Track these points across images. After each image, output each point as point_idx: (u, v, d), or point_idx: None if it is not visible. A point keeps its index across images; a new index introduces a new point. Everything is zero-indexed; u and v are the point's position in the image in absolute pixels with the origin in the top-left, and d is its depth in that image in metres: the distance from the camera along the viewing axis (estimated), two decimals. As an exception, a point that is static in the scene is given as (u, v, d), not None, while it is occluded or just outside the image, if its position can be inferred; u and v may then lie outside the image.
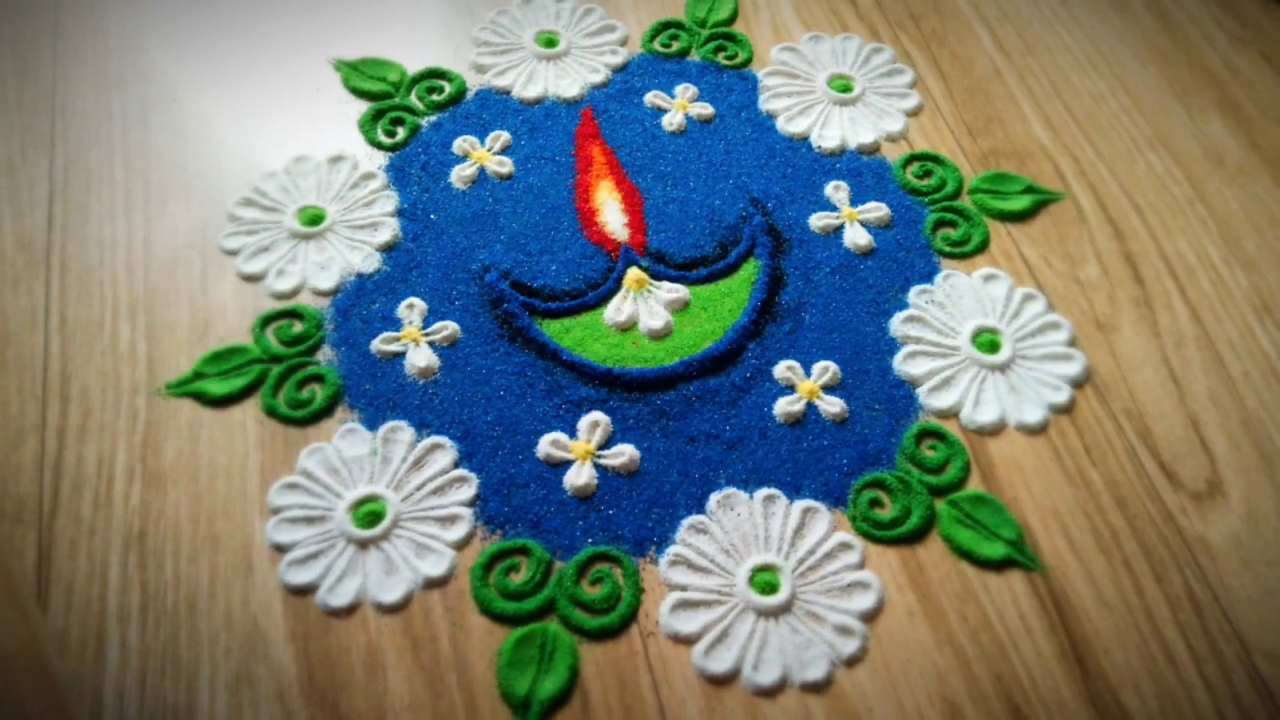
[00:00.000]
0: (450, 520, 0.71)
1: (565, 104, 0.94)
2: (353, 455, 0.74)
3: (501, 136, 0.91)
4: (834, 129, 0.93)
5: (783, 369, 0.78)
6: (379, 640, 0.67)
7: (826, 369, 0.78)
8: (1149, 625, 0.69)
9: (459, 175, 0.88)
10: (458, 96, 0.95)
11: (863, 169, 0.91)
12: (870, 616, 0.68)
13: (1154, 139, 0.94)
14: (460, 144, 0.90)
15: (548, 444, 0.74)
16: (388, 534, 0.70)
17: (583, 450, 0.74)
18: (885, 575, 0.70)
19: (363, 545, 0.70)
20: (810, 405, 0.77)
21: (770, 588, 0.69)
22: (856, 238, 0.85)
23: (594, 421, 0.75)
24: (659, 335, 0.80)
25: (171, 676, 0.65)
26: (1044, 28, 1.03)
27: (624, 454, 0.74)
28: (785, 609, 0.68)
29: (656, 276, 0.83)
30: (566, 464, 0.74)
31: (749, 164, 0.91)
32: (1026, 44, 1.01)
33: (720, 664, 0.66)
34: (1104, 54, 1.01)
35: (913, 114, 0.95)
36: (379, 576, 0.69)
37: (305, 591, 0.68)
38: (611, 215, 0.86)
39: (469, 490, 0.72)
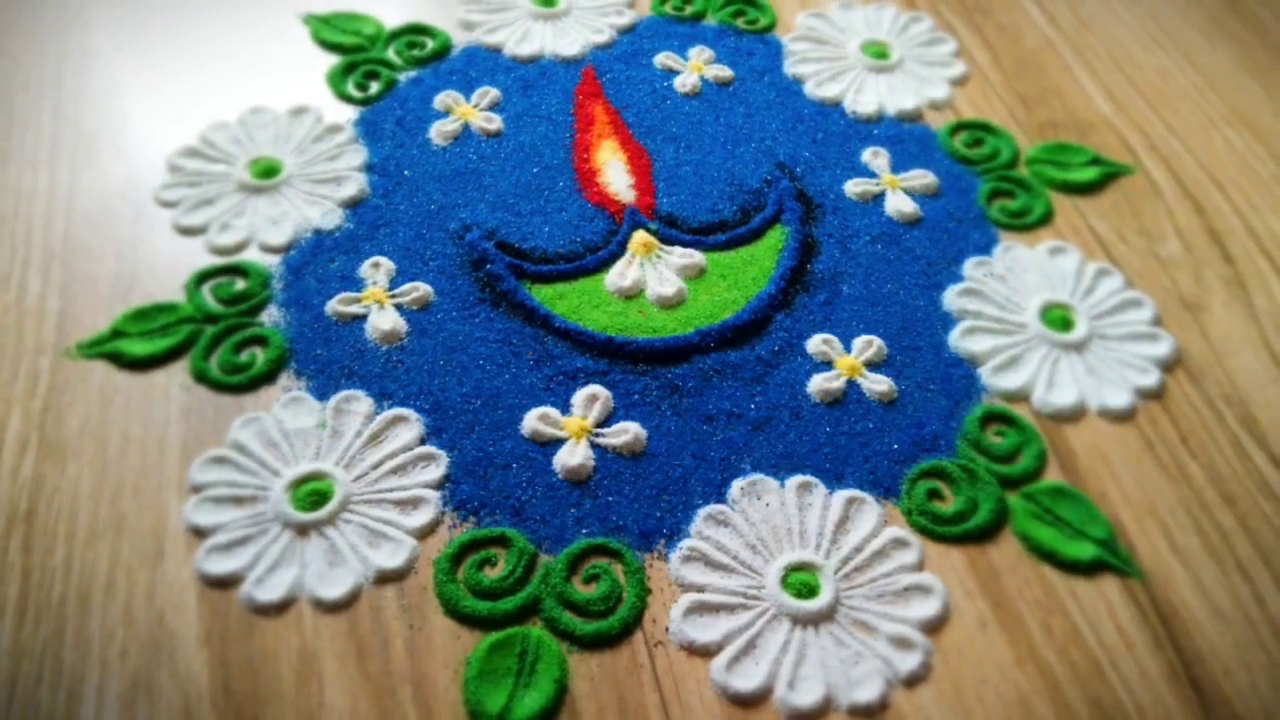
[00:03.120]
0: (412, 504, 0.59)
1: (564, 63, 0.84)
2: (296, 427, 0.61)
3: (490, 93, 0.81)
4: (870, 95, 0.83)
5: (818, 343, 0.66)
6: (315, 644, 0.54)
7: (870, 344, 0.66)
8: (1277, 643, 0.55)
9: (440, 131, 0.78)
10: (441, 52, 0.84)
11: (904, 136, 0.80)
12: (933, 627, 0.55)
13: (1230, 116, 0.84)
14: (443, 99, 0.80)
15: (535, 419, 0.62)
16: (334, 518, 0.58)
17: (578, 427, 0.61)
18: (950, 578, 0.57)
19: (302, 530, 0.57)
20: (851, 383, 0.64)
21: (808, 590, 0.56)
22: (900, 205, 0.74)
23: (592, 395, 0.63)
24: (670, 303, 0.68)
25: (50, 683, 0.52)
26: (1098, 3, 0.93)
27: (627, 432, 0.61)
28: (827, 616, 0.55)
29: (667, 241, 0.71)
30: (557, 442, 0.61)
31: (774, 128, 0.80)
32: (1081, 19, 0.92)
33: (747, 681, 0.52)
34: (1167, 31, 0.91)
35: (958, 83, 0.85)
36: (320, 568, 0.56)
37: (227, 584, 0.55)
38: (615, 176, 0.75)
39: (437, 470, 0.60)
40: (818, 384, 0.64)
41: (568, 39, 0.86)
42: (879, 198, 0.76)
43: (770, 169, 0.77)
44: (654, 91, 0.83)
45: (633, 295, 0.69)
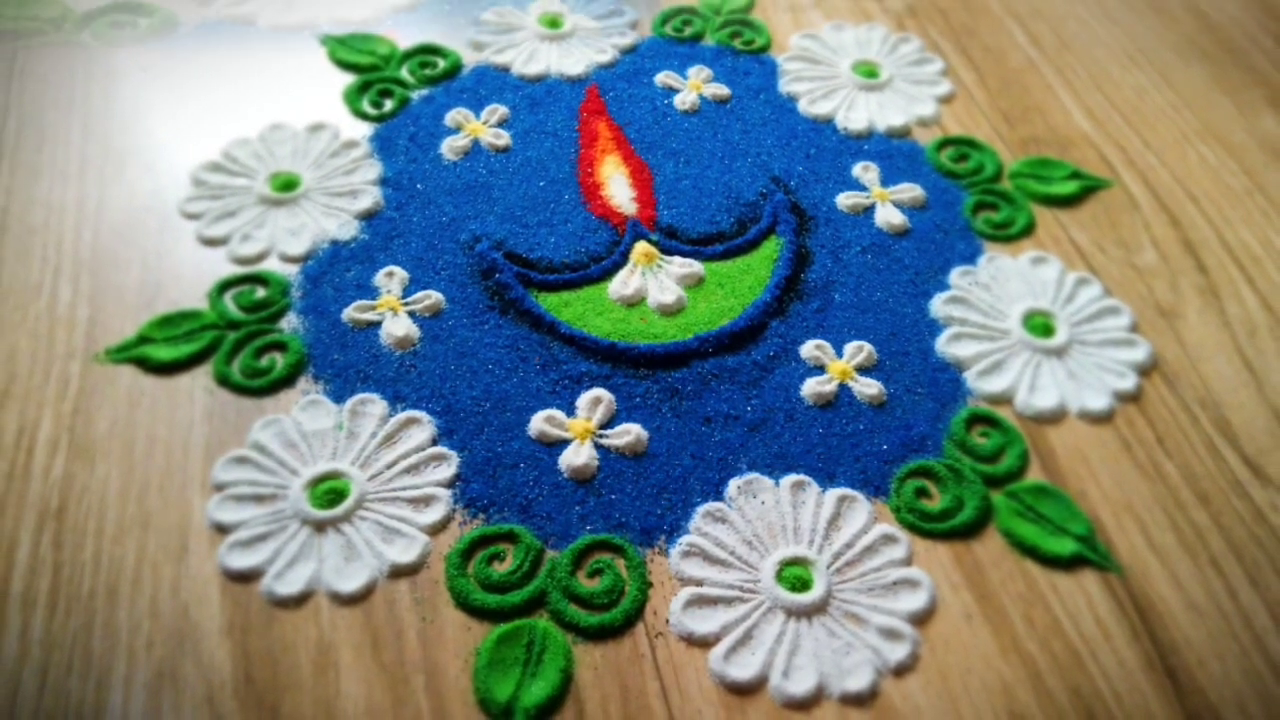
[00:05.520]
0: (425, 501, 0.61)
1: (569, 82, 0.87)
2: (314, 429, 0.64)
3: (499, 110, 0.84)
4: (860, 112, 0.86)
5: (811, 348, 0.69)
6: (332, 635, 0.56)
7: (861, 349, 0.69)
8: (1248, 634, 0.58)
9: (450, 146, 0.81)
10: (452, 71, 0.87)
11: (893, 151, 0.83)
12: (921, 619, 0.58)
13: (1204, 132, 0.87)
14: (453, 116, 0.83)
15: (542, 421, 0.64)
16: (350, 515, 0.60)
17: (582, 429, 0.64)
18: (937, 573, 0.60)
19: (320, 527, 0.60)
20: (843, 387, 0.67)
21: (802, 584, 0.58)
22: (889, 217, 0.77)
23: (595, 398, 0.66)
24: (670, 311, 0.71)
25: (80, 672, 0.54)
26: (1079, 25, 0.97)
27: (629, 433, 0.64)
28: (820, 608, 0.57)
29: (668, 251, 0.74)
30: (563, 443, 0.64)
31: (769, 143, 0.83)
32: (1062, 40, 0.95)
33: (744, 670, 0.55)
34: (1144, 51, 0.94)
35: (945, 101, 0.88)
36: (337, 562, 0.58)
37: (248, 578, 0.58)
38: (618, 189, 0.78)
39: (448, 469, 0.62)
40: (811, 387, 0.67)
41: (572, 59, 0.89)
42: (869, 210, 0.79)
43: (766, 183, 0.80)
44: (655, 109, 0.85)
45: (635, 303, 0.71)
